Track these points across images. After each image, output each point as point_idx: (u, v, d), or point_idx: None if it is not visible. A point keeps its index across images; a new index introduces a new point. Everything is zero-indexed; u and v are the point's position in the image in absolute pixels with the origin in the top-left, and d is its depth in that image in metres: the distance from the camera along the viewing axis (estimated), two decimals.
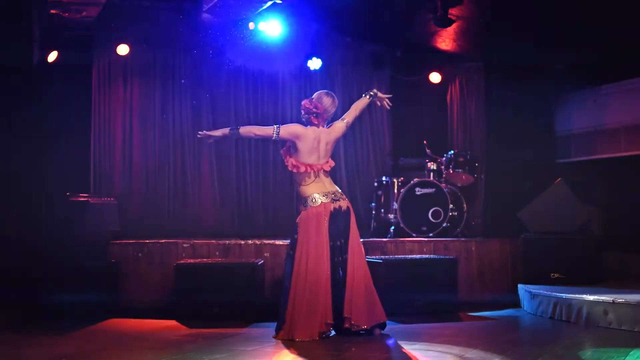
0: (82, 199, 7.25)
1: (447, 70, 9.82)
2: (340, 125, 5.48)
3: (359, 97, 5.71)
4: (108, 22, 8.15)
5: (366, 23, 8.91)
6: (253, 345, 4.96)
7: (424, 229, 8.38)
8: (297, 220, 5.31)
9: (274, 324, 5.40)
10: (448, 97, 9.89)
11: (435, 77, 9.82)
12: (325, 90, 5.55)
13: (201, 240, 7.14)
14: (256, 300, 6.28)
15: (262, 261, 6.70)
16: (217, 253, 6.96)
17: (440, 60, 9.70)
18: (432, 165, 8.86)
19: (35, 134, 6.85)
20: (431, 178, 8.74)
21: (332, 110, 5.46)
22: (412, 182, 8.57)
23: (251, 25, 8.51)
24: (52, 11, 7.35)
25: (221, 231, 8.72)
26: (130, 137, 8.78)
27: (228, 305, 6.18)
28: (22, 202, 6.61)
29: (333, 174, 5.72)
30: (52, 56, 7.76)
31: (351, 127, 5.85)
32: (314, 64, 9.41)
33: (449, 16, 7.78)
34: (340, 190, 5.42)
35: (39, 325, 5.78)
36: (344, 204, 5.33)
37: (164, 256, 6.85)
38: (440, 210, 8.39)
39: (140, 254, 6.83)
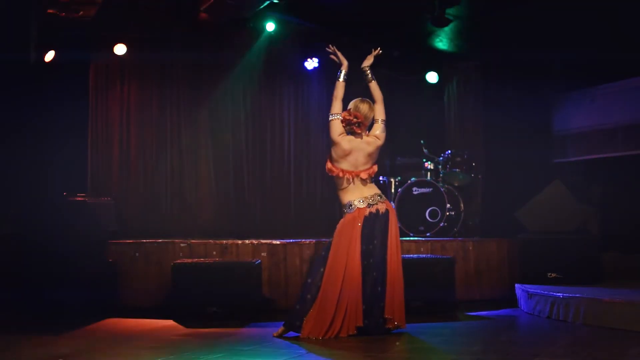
0: (79, 199, 7.26)
1: (444, 70, 9.84)
2: (380, 133, 5.37)
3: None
4: (105, 22, 8.14)
5: (363, 22, 8.90)
6: (251, 344, 4.96)
7: (421, 228, 8.39)
8: (338, 225, 5.31)
9: (272, 324, 5.37)
10: (445, 96, 9.90)
11: (432, 77, 9.83)
12: (360, 98, 5.46)
13: (198, 240, 7.12)
14: (253, 299, 6.28)
15: (259, 261, 6.69)
16: (214, 253, 6.93)
17: (438, 59, 9.71)
18: (430, 165, 8.86)
19: (32, 134, 6.85)
20: (428, 178, 8.74)
21: (371, 115, 5.39)
22: (409, 181, 8.58)
23: (248, 24, 8.52)
24: (49, 11, 7.33)
25: (218, 231, 8.70)
26: (128, 136, 8.77)
27: (225, 304, 6.16)
28: (20, 201, 6.60)
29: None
30: (49, 56, 7.75)
31: None
32: (311, 63, 9.41)
33: (446, 16, 7.79)
34: (380, 194, 5.35)
35: (36, 325, 5.77)
36: (382, 207, 5.27)
37: (161, 256, 6.83)
38: (438, 209, 8.40)
39: (137, 254, 6.82)
